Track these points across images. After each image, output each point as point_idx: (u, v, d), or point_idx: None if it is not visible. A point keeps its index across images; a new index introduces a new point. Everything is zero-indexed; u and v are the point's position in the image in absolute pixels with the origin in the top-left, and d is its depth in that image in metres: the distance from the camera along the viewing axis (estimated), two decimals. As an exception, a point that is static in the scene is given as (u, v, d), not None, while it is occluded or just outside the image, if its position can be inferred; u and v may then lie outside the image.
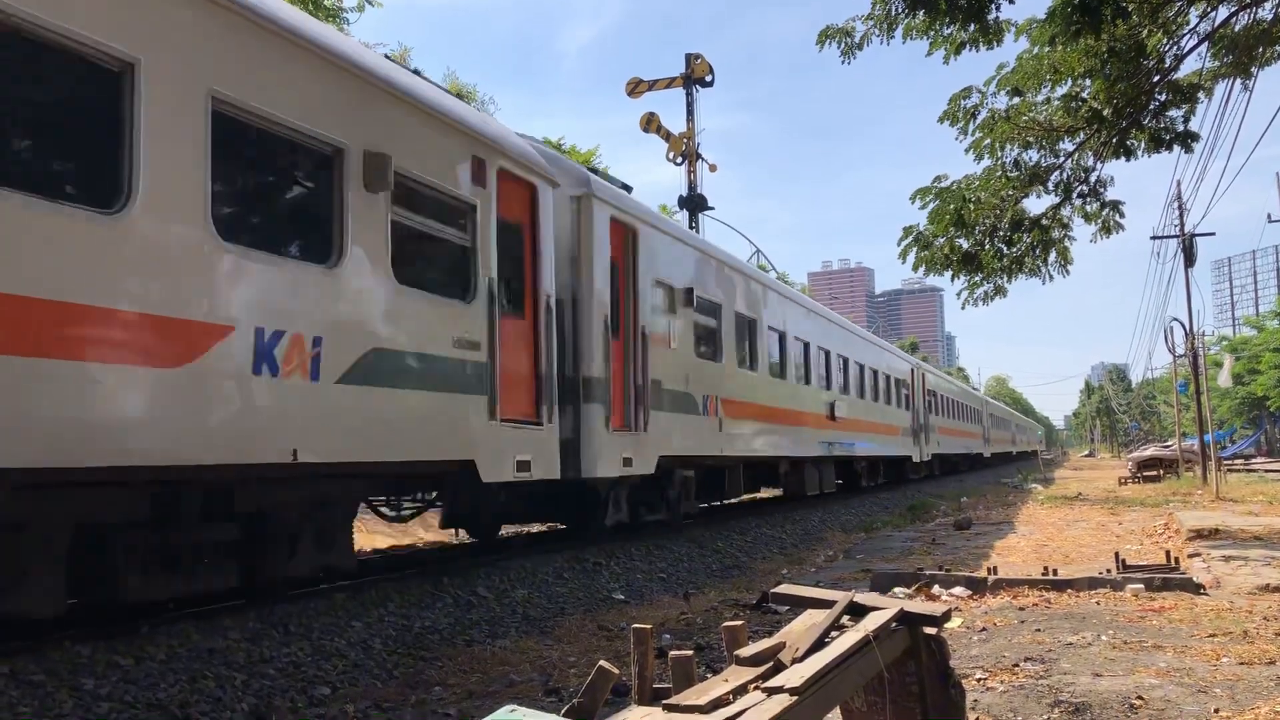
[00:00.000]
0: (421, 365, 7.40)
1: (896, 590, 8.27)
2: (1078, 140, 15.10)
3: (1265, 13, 13.02)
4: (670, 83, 31.98)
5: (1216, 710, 4.62)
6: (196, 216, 5.56)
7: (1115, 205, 15.95)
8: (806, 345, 18.76)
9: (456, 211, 8.11)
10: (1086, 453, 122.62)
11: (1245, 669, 5.41)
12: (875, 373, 24.89)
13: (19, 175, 4.80)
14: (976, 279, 16.19)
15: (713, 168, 32.47)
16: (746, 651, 3.13)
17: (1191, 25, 13.75)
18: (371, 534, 13.88)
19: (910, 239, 15.91)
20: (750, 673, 2.98)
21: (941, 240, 15.69)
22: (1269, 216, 36.44)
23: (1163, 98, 14.57)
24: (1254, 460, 48.85)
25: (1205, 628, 6.67)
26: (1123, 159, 15.18)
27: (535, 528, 14.10)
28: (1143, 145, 14.96)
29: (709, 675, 3.16)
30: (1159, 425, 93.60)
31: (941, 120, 15.29)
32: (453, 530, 11.68)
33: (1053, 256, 16.32)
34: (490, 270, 8.34)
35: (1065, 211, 16.00)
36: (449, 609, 7.89)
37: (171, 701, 5.22)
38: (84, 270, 4.95)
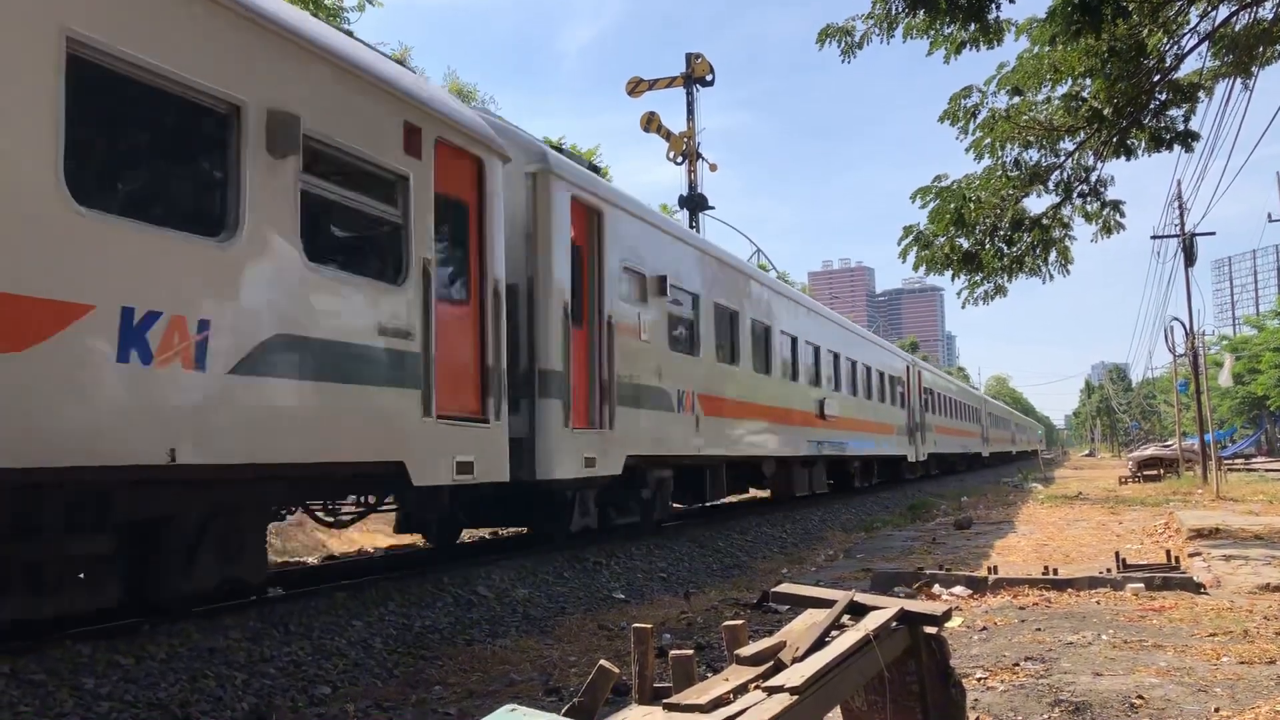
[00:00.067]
0: (338, 354, 6.59)
1: (897, 589, 8.27)
2: (1078, 140, 15.12)
3: (1265, 12, 13.03)
4: (671, 82, 31.98)
5: (1217, 709, 4.62)
6: (45, 176, 4.81)
7: (1116, 205, 15.97)
8: (794, 340, 18.01)
9: (384, 184, 7.27)
10: (1087, 452, 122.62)
11: (1246, 668, 5.41)
12: (868, 369, 24.19)
13: None
14: (977, 278, 16.20)
15: (713, 167, 32.48)
16: (747, 651, 3.13)
17: (1192, 25, 13.78)
18: (372, 533, 13.88)
19: (911, 238, 15.92)
20: (751, 672, 2.98)
21: (942, 240, 15.70)
22: (1269, 216, 36.44)
23: (1163, 97, 14.57)
24: (1254, 460, 48.84)
25: (1206, 627, 6.67)
26: (1123, 158, 15.22)
27: (507, 531, 13.54)
28: (1143, 145, 14.97)
29: (709, 674, 3.16)
30: (1159, 425, 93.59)
31: (942, 120, 15.31)
32: (423, 535, 11.15)
33: (1053, 256, 16.34)
34: (426, 250, 7.52)
35: (1066, 211, 16.03)
36: (449, 608, 7.90)
37: (172, 701, 5.22)
38: None
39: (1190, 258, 31.71)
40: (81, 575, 5.54)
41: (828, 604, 3.76)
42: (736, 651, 3.16)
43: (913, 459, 29.23)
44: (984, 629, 6.81)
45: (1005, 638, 6.48)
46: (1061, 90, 14.95)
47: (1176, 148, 15.02)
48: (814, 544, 14.91)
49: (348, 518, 9.01)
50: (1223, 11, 13.29)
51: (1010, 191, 15.47)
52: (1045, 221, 15.92)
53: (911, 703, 3.71)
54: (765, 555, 13.52)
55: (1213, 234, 35.05)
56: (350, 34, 8.24)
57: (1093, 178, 15.75)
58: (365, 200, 7.13)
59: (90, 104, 5.22)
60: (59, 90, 4.88)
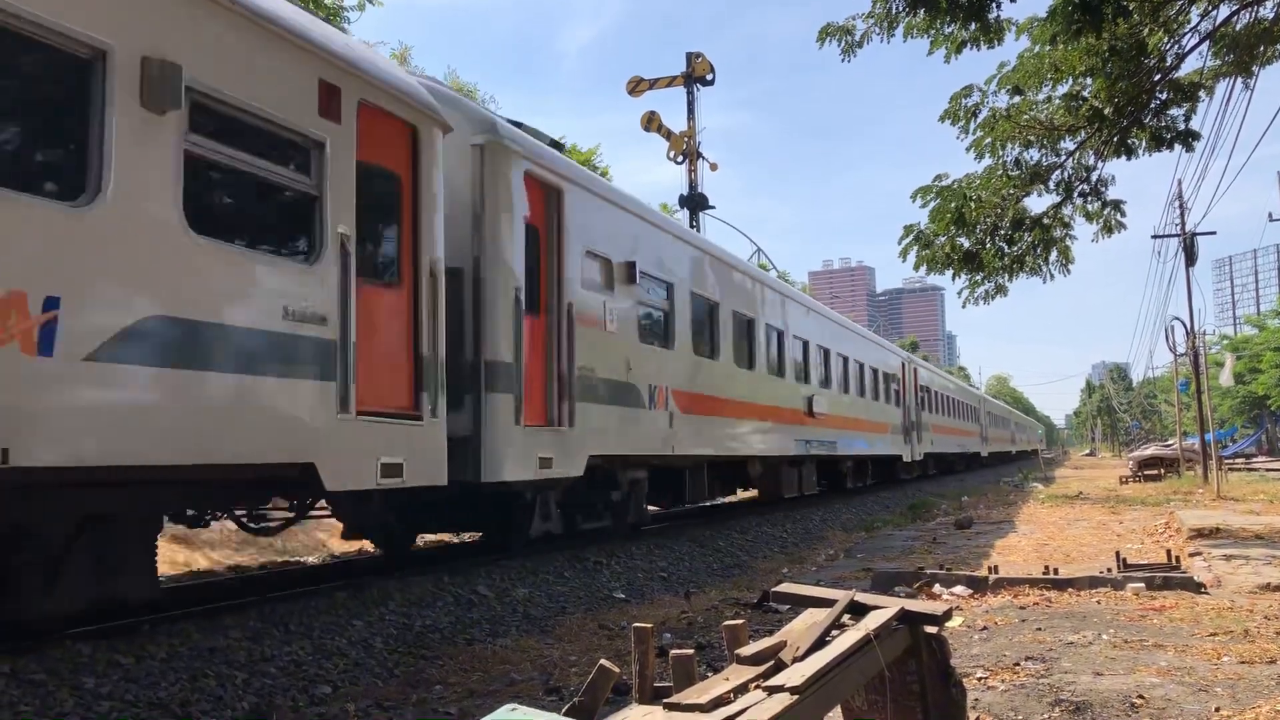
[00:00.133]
0: (231, 341, 5.76)
1: (897, 589, 8.27)
2: (1079, 139, 15.12)
3: (1266, 11, 13.04)
4: (671, 81, 31.98)
5: (1217, 709, 4.62)
6: None
7: (1116, 204, 15.97)
8: (780, 334, 17.16)
9: (294, 149, 6.44)
10: (1087, 452, 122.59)
11: (1246, 668, 5.41)
12: (861, 366, 23.42)
13: None
14: (977, 278, 16.21)
15: (714, 166, 32.48)
16: (747, 650, 3.13)
17: (1193, 24, 13.79)
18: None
19: (911, 238, 15.93)
20: (751, 671, 2.98)
21: (942, 239, 15.70)
22: (1270, 215, 36.44)
23: (1164, 96, 14.58)
24: (1255, 459, 48.82)
25: (1206, 627, 6.67)
26: (1124, 158, 15.25)
27: (469, 536, 12.82)
28: (1144, 144, 14.98)
29: (710, 674, 3.16)
30: (1160, 424, 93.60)
31: (943, 119, 15.32)
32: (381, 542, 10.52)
33: (1054, 255, 16.34)
34: (345, 225, 6.69)
35: (1066, 210, 16.03)
36: (450, 608, 7.90)
37: (172, 700, 5.22)
38: None
39: (1191, 257, 31.72)
40: None
41: (828, 604, 3.76)
42: (737, 651, 3.16)
43: (908, 459, 28.50)
44: (984, 629, 6.80)
45: (1006, 637, 6.47)
46: (1062, 89, 14.97)
47: (1177, 147, 15.05)
48: (814, 544, 14.91)
49: (275, 524, 8.11)
50: (1223, 11, 13.31)
51: (1011, 191, 15.48)
52: (1046, 221, 15.93)
53: (912, 702, 3.71)
54: (766, 555, 13.52)
55: (1213, 233, 35.12)
56: None
57: (1093, 177, 15.77)
58: (269, 167, 6.26)
59: None
60: None
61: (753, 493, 19.36)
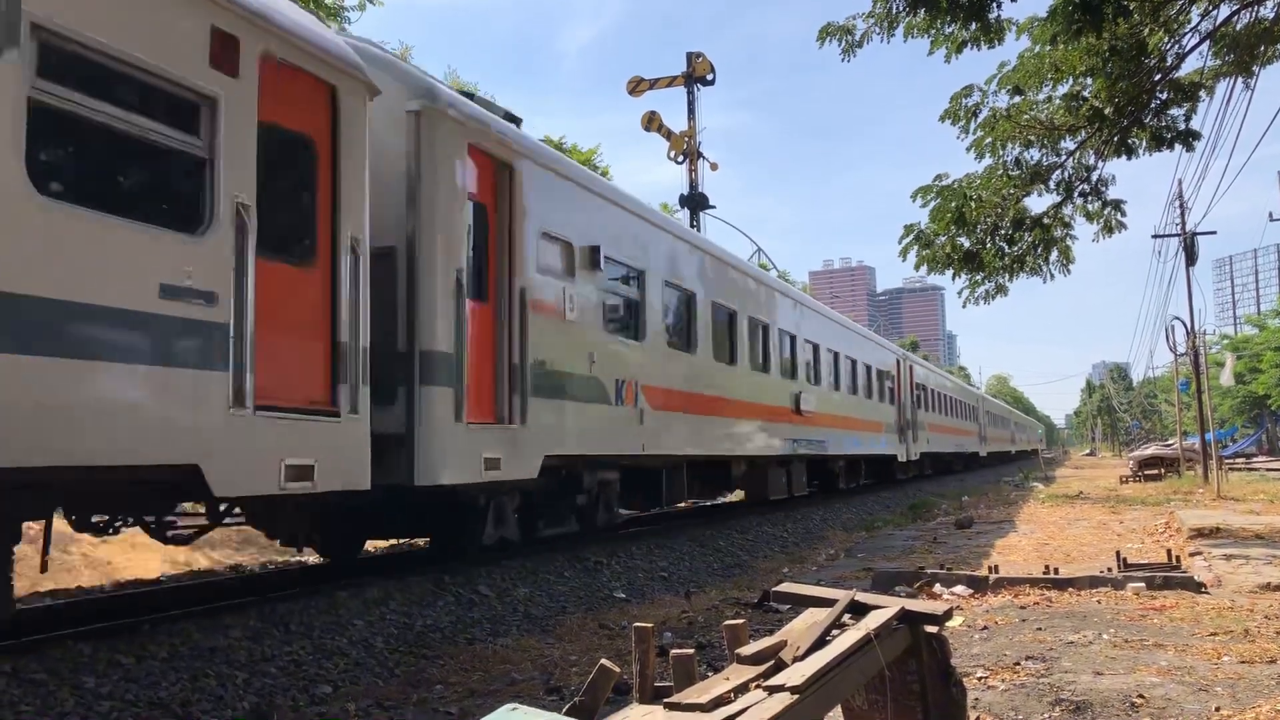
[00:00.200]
0: (87, 321, 4.98)
1: (898, 589, 8.27)
2: (1079, 139, 15.13)
3: (1266, 11, 13.04)
4: (671, 81, 31.98)
5: (1218, 709, 4.62)
6: None
7: (1117, 204, 15.98)
8: (765, 327, 16.31)
9: (176, 104, 5.63)
10: (1088, 451, 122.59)
11: (1246, 668, 5.41)
12: (853, 362, 22.54)
13: None
14: (978, 278, 16.21)
15: (714, 166, 32.48)
16: (748, 650, 3.13)
17: (1193, 24, 13.79)
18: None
19: (911, 237, 15.94)
20: (751, 671, 2.98)
21: (943, 239, 15.71)
22: (1270, 215, 36.43)
23: (1164, 96, 14.58)
24: (1255, 459, 48.86)
25: (1206, 626, 6.67)
26: (1124, 158, 15.26)
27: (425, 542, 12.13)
28: (1144, 144, 14.98)
29: (710, 674, 3.16)
30: (1160, 424, 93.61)
31: (943, 119, 15.32)
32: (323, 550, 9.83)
33: (1054, 255, 16.35)
34: (241, 192, 5.91)
35: (1067, 210, 16.04)
36: (450, 607, 7.90)
37: (173, 700, 5.23)
38: None
39: (1191, 257, 31.72)
40: None
41: (829, 603, 3.76)
42: (737, 650, 3.16)
43: (903, 459, 27.63)
44: (985, 628, 6.81)
45: (1006, 637, 6.48)
46: (1062, 89, 14.98)
47: (1177, 147, 15.05)
48: (815, 543, 14.91)
49: (188, 532, 7.30)
50: (1224, 11, 13.32)
51: (1011, 191, 15.49)
52: (1046, 221, 15.94)
53: (912, 702, 3.71)
54: (766, 555, 13.52)
55: (1214, 233, 35.05)
56: None
57: (1094, 177, 15.78)
58: (144, 123, 5.47)
59: None
60: None
61: (733, 496, 18.94)
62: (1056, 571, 9.15)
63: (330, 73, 6.83)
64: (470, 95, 9.35)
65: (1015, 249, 16.01)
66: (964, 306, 16.74)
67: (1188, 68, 14.41)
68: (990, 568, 9.34)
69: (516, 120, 9.83)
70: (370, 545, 11.87)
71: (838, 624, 3.50)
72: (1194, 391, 34.12)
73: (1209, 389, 32.74)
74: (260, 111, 6.16)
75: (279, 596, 7.59)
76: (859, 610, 3.70)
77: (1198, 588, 8.23)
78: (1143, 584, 8.29)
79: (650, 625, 3.02)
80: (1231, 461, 39.75)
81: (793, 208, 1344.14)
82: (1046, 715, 4.61)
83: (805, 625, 3.51)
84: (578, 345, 9.98)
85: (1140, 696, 4.84)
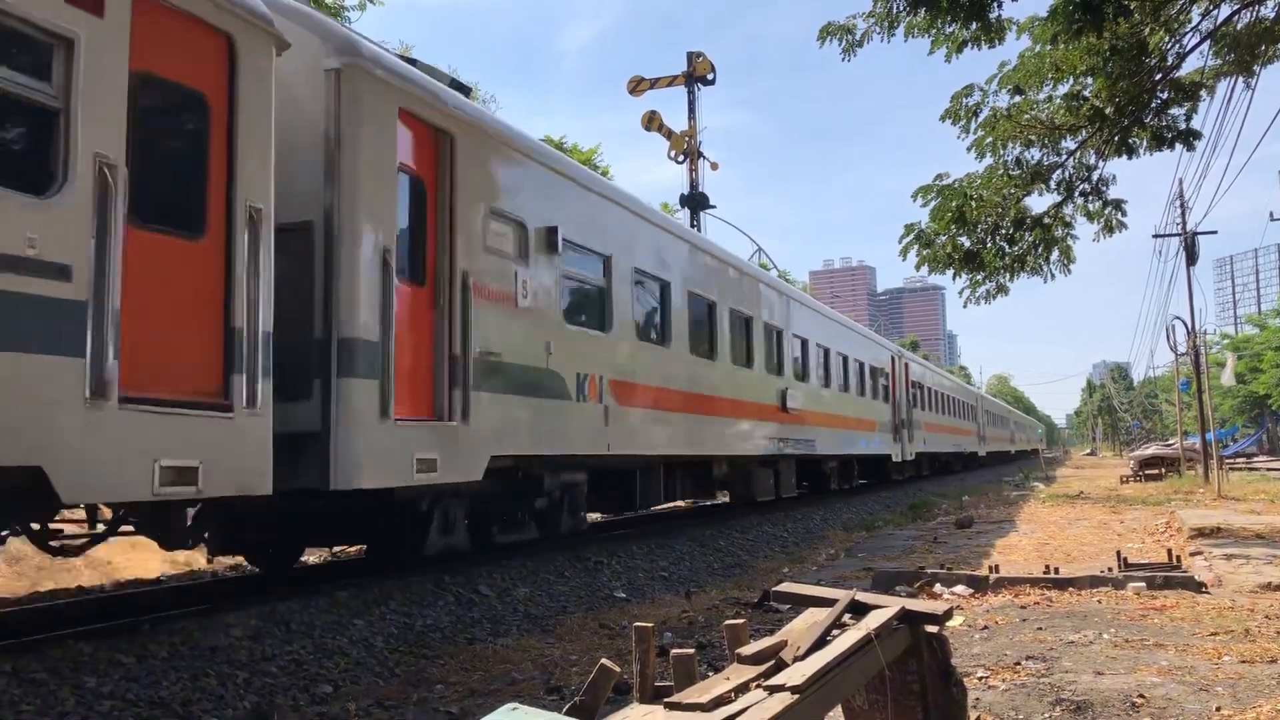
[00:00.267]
0: None
1: (898, 589, 8.27)
2: (1080, 138, 15.14)
3: (1267, 11, 13.04)
4: (672, 81, 31.98)
5: (1218, 708, 4.62)
6: None
7: (1117, 204, 15.99)
8: (748, 320, 15.41)
9: (21, 42, 4.88)
10: (1088, 451, 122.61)
11: (1247, 667, 5.41)
12: (845, 359, 21.64)
13: None
14: (978, 277, 16.22)
15: (714, 166, 32.48)
16: (748, 650, 3.13)
17: (1194, 23, 13.79)
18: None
19: (912, 236, 15.95)
20: (752, 671, 2.98)
21: (943, 238, 15.71)
22: (1271, 215, 36.42)
23: (1165, 96, 14.59)
24: (1256, 459, 48.86)
25: (1207, 626, 6.67)
26: (1125, 157, 15.26)
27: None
28: (1145, 143, 15.00)
29: (710, 673, 3.16)
30: (1160, 424, 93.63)
31: (944, 118, 15.34)
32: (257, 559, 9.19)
33: (1055, 255, 16.36)
34: (108, 151, 5.14)
35: (1067, 210, 16.04)
36: (451, 607, 7.90)
37: (174, 699, 5.23)
38: None
39: (1192, 256, 31.73)
40: None
41: (829, 603, 3.76)
42: (738, 650, 3.16)
43: (898, 459, 26.70)
44: (985, 628, 6.81)
45: (1006, 637, 6.48)
46: (1063, 89, 15.00)
47: (1178, 146, 15.06)
48: (815, 543, 14.91)
49: (78, 542, 6.53)
50: (1224, 10, 13.32)
51: (1012, 190, 15.50)
52: (1047, 220, 15.94)
53: (913, 702, 3.71)
54: (766, 554, 13.52)
55: (1214, 233, 35.01)
56: None
57: (1094, 176, 15.79)
58: None
59: None
60: None
61: (722, 497, 18.21)
62: (1057, 571, 9.15)
63: (227, 20, 6.00)
64: (411, 60, 8.62)
65: (1016, 249, 16.02)
66: (965, 306, 16.75)
67: (1188, 67, 14.44)
68: (991, 567, 9.34)
69: (465, 90, 9.03)
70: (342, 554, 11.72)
71: (838, 624, 3.50)
72: (1194, 391, 34.12)
73: (1209, 389, 32.74)
74: (133, 58, 5.37)
75: (280, 596, 7.59)
76: (859, 610, 3.70)
77: (1198, 587, 8.23)
78: (1143, 584, 8.29)
79: (650, 625, 3.02)
80: (1232, 461, 39.75)
81: (793, 207, 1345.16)
82: (1047, 715, 4.61)
83: (805, 625, 3.51)
84: (532, 335, 9.14)
85: (1141, 696, 4.84)
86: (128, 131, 5.30)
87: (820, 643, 3.21)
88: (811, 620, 3.56)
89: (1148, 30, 13.38)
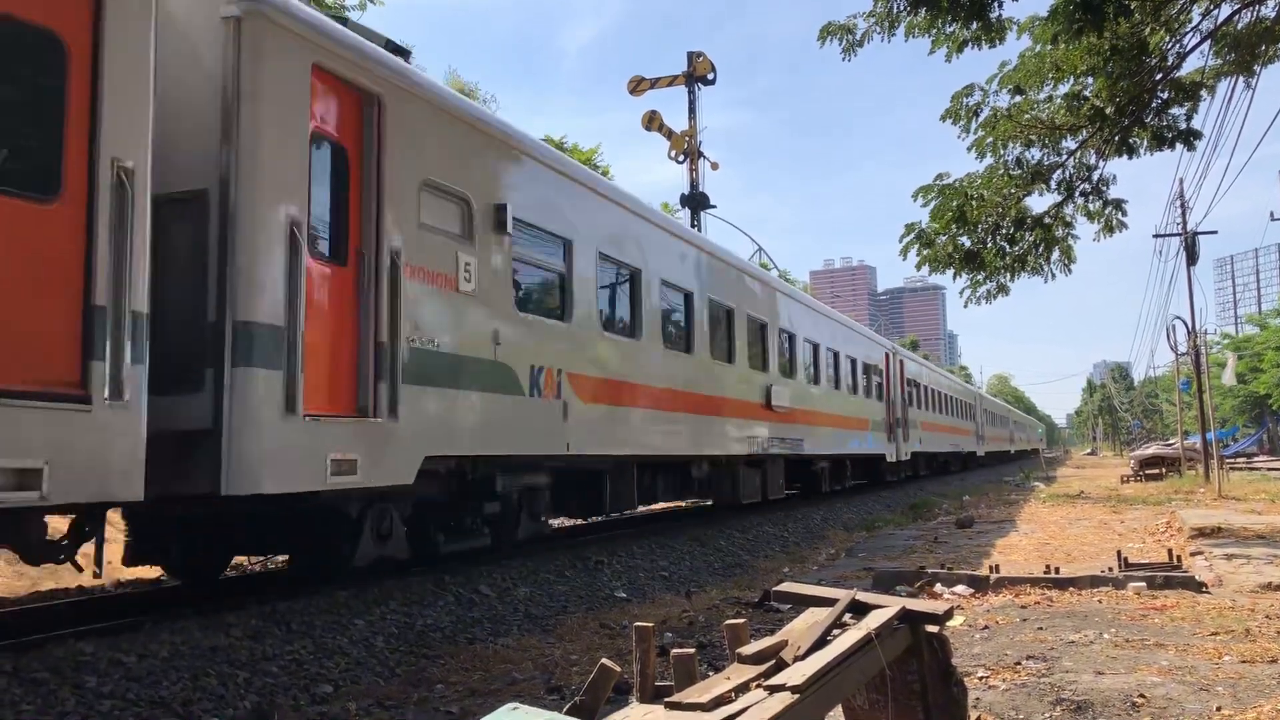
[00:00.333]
0: None
1: (898, 588, 8.28)
2: (1080, 138, 15.15)
3: (1268, 10, 13.04)
4: (672, 81, 31.98)
5: (1219, 708, 4.62)
6: None
7: (1118, 204, 16.00)
8: (729, 313, 14.56)
9: None
10: (1089, 451, 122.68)
11: (1247, 667, 5.41)
12: (835, 355, 20.78)
13: None
14: (979, 277, 16.23)
15: (715, 166, 32.48)
16: (748, 649, 3.13)
17: (1194, 23, 13.80)
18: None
19: (913, 236, 15.96)
20: (752, 670, 2.98)
21: (944, 238, 15.72)
22: (1271, 214, 36.43)
23: (1165, 96, 14.60)
24: (1256, 459, 48.88)
25: (1207, 626, 6.67)
26: (1125, 157, 15.26)
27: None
28: (1145, 143, 15.00)
29: (711, 673, 3.17)
30: (1161, 424, 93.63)
31: (944, 118, 15.36)
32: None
33: (1055, 255, 16.36)
34: None
35: (1068, 210, 16.05)
36: (451, 607, 7.90)
37: (174, 699, 5.23)
38: None
39: (1192, 256, 31.74)
40: None
41: (829, 603, 3.76)
42: (738, 650, 3.16)
43: (893, 458, 25.75)
44: (986, 628, 6.81)
45: (1007, 636, 6.48)
46: (1063, 89, 15.01)
47: (1178, 146, 15.06)
48: (815, 543, 14.91)
49: None
50: (1225, 10, 13.32)
51: (1012, 190, 15.51)
52: (1047, 220, 15.95)
53: (913, 702, 3.71)
54: (767, 554, 13.52)
55: (1215, 233, 35.01)
56: None
57: (1095, 176, 15.80)
58: None
59: None
60: None
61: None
62: (1057, 571, 9.15)
63: None
64: (344, 20, 7.96)
65: (1016, 248, 16.03)
66: (965, 306, 16.76)
67: (1189, 67, 14.46)
68: (991, 567, 9.34)
69: (404, 53, 8.08)
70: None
71: (839, 624, 3.50)
72: (1195, 391, 34.12)
73: (1210, 388, 32.73)
74: None
75: (280, 595, 7.60)
76: (860, 610, 3.70)
77: (1199, 587, 8.23)
78: (1144, 583, 8.29)
79: (651, 625, 3.02)
80: (1232, 461, 39.76)
81: (793, 207, 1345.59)
82: (1047, 715, 4.61)
83: (806, 625, 3.51)
84: (476, 323, 8.30)
85: (1141, 696, 4.84)
86: None
87: (821, 642, 3.21)
88: (812, 620, 3.56)
89: (1148, 30, 13.38)
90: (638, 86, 32.33)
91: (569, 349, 9.84)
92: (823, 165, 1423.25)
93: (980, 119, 15.18)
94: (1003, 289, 16.51)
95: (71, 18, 5.18)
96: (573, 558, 10.37)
